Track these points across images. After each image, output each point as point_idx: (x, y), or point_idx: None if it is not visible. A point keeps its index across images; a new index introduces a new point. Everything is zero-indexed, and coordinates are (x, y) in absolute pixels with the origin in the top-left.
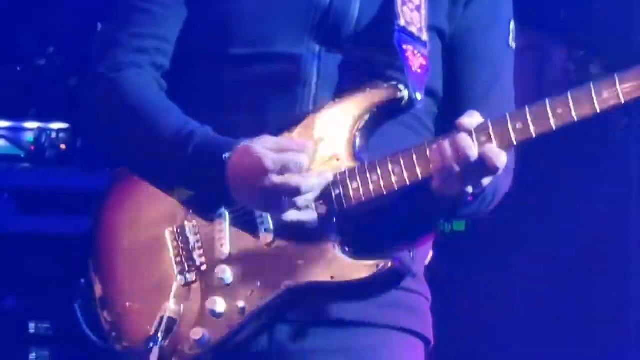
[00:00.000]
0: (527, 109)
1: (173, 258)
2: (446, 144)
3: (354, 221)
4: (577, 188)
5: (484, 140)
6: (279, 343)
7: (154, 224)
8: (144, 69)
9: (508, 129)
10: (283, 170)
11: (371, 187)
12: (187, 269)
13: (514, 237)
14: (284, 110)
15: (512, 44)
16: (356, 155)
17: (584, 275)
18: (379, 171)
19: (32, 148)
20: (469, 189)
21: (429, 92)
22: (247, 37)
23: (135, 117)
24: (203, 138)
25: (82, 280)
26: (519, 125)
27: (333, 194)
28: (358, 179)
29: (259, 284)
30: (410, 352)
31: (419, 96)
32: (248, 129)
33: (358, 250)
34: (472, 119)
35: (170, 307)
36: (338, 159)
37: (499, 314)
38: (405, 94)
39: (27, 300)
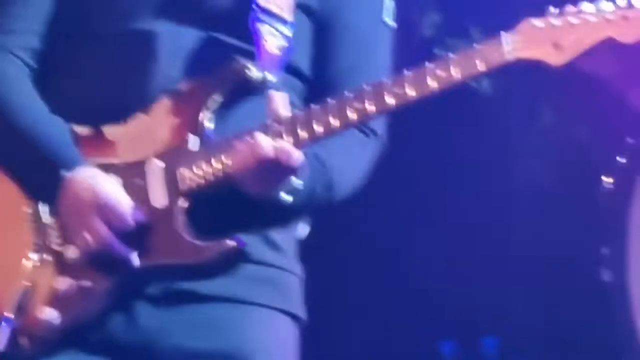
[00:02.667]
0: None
1: (29, 237)
2: (242, 143)
3: (202, 202)
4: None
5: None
6: (136, 320)
7: (11, 202)
8: (11, 52)
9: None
10: (109, 215)
11: (205, 172)
12: (42, 248)
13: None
14: (138, 87)
15: (388, 20)
16: (207, 135)
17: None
18: (212, 158)
19: None
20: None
21: (293, 70)
22: (106, 15)
23: None
24: (48, 145)
25: None
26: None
27: (178, 175)
28: (197, 164)
29: (107, 262)
30: (278, 328)
31: (270, 77)
32: (108, 112)
33: (203, 231)
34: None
35: (22, 286)
36: (188, 139)
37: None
38: (255, 74)
39: None
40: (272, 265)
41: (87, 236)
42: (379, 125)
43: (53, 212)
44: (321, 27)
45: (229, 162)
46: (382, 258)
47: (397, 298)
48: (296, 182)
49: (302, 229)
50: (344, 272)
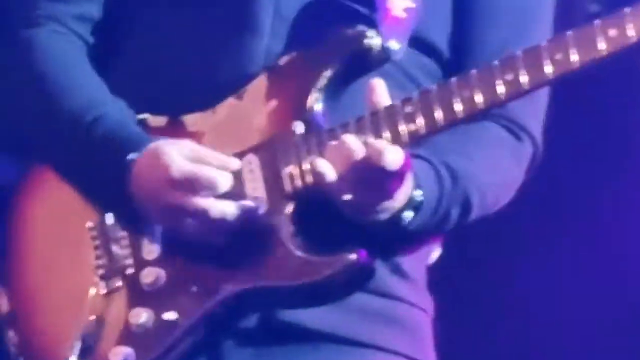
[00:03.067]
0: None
1: (93, 259)
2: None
3: (312, 208)
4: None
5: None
6: None
7: (70, 219)
8: (64, 23)
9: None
10: (192, 186)
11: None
12: (109, 272)
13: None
14: (234, 66)
15: None
16: (315, 121)
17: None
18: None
19: None
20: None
21: (425, 45)
22: None
23: (38, 94)
24: (109, 129)
25: None
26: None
27: (283, 174)
28: (310, 153)
29: (195, 289)
30: None
31: (394, 45)
32: (191, 97)
33: (316, 244)
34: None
35: (88, 321)
36: (295, 127)
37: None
38: (375, 41)
39: None
40: (398, 299)
41: (191, 222)
42: (534, 125)
43: (124, 221)
44: None
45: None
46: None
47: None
48: (416, 194)
49: (433, 254)
50: (481, 308)
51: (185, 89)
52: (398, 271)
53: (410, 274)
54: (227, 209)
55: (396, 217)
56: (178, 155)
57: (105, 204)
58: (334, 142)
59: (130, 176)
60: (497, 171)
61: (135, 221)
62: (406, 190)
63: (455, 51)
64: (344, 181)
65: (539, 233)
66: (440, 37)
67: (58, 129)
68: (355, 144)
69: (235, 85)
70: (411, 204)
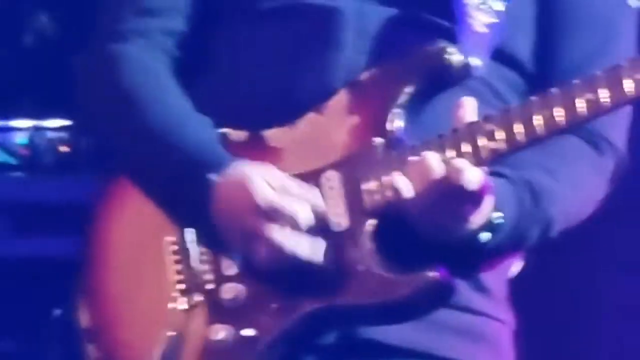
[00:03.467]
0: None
1: (173, 275)
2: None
3: (393, 225)
4: None
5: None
6: None
7: (150, 233)
8: (151, 38)
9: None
10: (275, 216)
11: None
12: (189, 288)
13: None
14: (315, 81)
15: (634, 1)
16: (397, 138)
17: None
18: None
19: (26, 152)
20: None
21: (507, 58)
22: None
23: (124, 110)
24: (192, 146)
25: (58, 311)
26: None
27: (363, 190)
28: (390, 170)
29: (274, 306)
30: None
31: (475, 62)
32: (271, 112)
33: (396, 262)
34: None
35: (169, 338)
36: (375, 144)
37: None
38: (456, 58)
39: (27, 342)
40: (478, 313)
41: (263, 250)
42: (616, 134)
43: (204, 238)
44: (547, 7)
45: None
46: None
47: None
48: (494, 216)
49: (515, 266)
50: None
51: (266, 104)
52: (477, 285)
53: (490, 287)
54: (300, 247)
55: (473, 237)
56: (264, 182)
57: (184, 222)
58: (414, 158)
59: (211, 195)
60: (580, 187)
61: (213, 239)
62: (484, 213)
63: (539, 64)
64: (422, 199)
65: (623, 240)
66: (523, 50)
67: (145, 147)
68: (435, 162)
69: (316, 100)
70: (489, 226)
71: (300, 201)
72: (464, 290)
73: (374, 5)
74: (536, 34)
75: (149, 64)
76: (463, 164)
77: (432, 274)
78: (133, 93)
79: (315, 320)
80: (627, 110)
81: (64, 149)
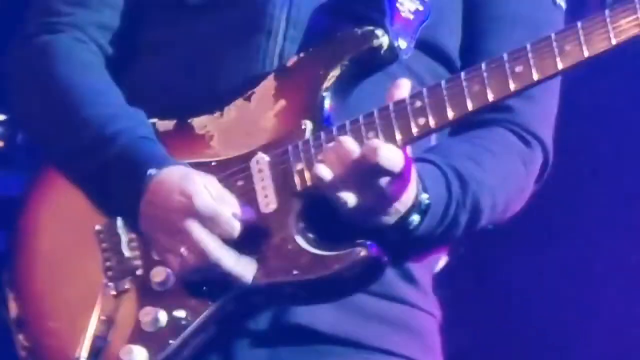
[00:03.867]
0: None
1: (102, 261)
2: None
3: (323, 205)
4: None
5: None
6: None
7: (79, 221)
8: (85, 31)
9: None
10: (209, 222)
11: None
12: (118, 274)
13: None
14: (244, 69)
15: (561, 2)
16: (325, 119)
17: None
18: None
19: None
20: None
21: (429, 47)
22: None
23: (59, 100)
24: (131, 143)
25: None
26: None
27: (294, 170)
28: (319, 151)
29: (204, 287)
30: None
31: (402, 44)
32: (198, 101)
33: (327, 239)
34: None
35: (98, 322)
36: (304, 126)
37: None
38: (383, 40)
39: None
40: (408, 303)
41: (185, 252)
42: (544, 131)
43: (131, 226)
44: (473, 2)
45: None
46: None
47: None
48: (423, 198)
49: (439, 262)
50: (485, 313)
51: (195, 93)
52: (407, 276)
53: (419, 279)
54: (225, 259)
55: (402, 220)
56: (205, 188)
57: (117, 213)
58: (330, 144)
59: (145, 190)
60: (507, 177)
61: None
62: (411, 194)
63: (464, 59)
64: (344, 183)
65: (536, 233)
66: (449, 42)
67: (76, 138)
68: (350, 144)
69: (245, 88)
70: (418, 208)
71: (234, 216)
72: (394, 281)
73: None
74: (462, 29)
75: (83, 56)
76: (378, 143)
77: (363, 249)
78: (67, 84)
79: (247, 300)
80: (554, 107)
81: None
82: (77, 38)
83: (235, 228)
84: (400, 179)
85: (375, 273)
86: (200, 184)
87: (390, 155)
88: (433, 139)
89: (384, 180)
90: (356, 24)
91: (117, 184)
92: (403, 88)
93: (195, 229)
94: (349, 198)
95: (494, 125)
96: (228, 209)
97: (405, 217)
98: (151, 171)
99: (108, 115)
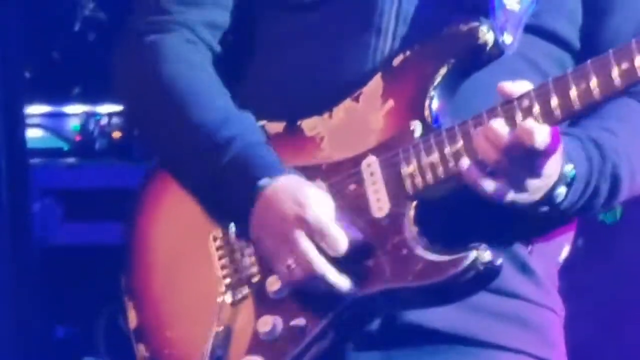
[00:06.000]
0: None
1: (219, 269)
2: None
3: (435, 205)
4: None
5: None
6: None
7: (194, 228)
8: (195, 30)
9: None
10: (317, 235)
11: (434, 168)
12: (235, 282)
13: None
14: (353, 68)
15: None
16: (434, 119)
17: None
18: (444, 149)
19: (78, 138)
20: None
21: (546, 33)
22: None
23: (166, 105)
24: (242, 151)
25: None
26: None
27: (405, 173)
28: (435, 150)
29: (321, 295)
30: None
31: (507, 39)
32: (307, 102)
33: (441, 244)
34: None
35: (217, 332)
36: (413, 127)
37: None
38: (488, 37)
39: (81, 330)
40: (526, 299)
41: (292, 264)
42: None
43: (246, 235)
44: None
45: (461, 158)
46: None
47: None
48: (567, 169)
49: (563, 251)
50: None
51: (303, 93)
52: (524, 270)
53: (538, 271)
54: (330, 274)
55: (549, 194)
56: (319, 201)
57: (228, 220)
58: (477, 130)
59: (256, 199)
60: None
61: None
62: (557, 166)
63: (585, 41)
64: (496, 167)
65: None
66: (564, 25)
67: (188, 143)
68: (502, 128)
69: (354, 87)
70: (564, 180)
71: (342, 232)
72: (510, 275)
73: None
74: (582, 6)
75: (193, 57)
76: (533, 124)
77: (476, 253)
78: (176, 87)
79: (362, 306)
80: None
81: (116, 134)
82: (186, 38)
83: (340, 245)
84: (548, 155)
85: (491, 275)
86: (314, 197)
87: (544, 136)
88: None
89: (534, 160)
90: (462, 16)
91: (230, 192)
92: (515, 87)
93: (304, 240)
94: (493, 184)
95: (623, 97)
96: (336, 228)
97: (551, 191)
98: (264, 180)
99: (218, 120)
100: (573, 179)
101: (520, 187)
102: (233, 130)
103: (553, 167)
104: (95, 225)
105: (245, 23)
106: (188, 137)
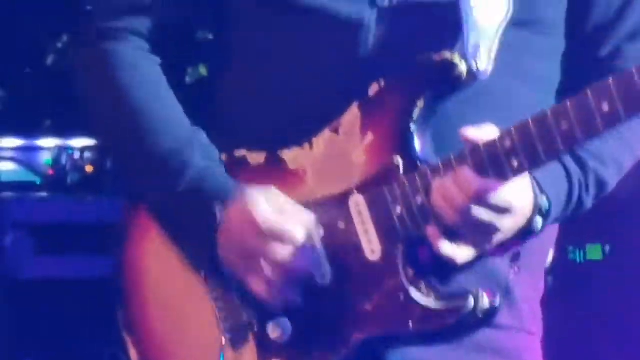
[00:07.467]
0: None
1: (217, 311)
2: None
3: (427, 246)
4: None
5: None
6: None
7: (184, 261)
8: (148, 39)
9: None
10: (276, 236)
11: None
12: (234, 325)
13: None
14: (333, 95)
15: None
16: (416, 155)
17: None
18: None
19: (50, 172)
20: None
21: (528, 23)
22: None
23: (123, 114)
24: (194, 178)
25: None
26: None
27: (394, 214)
28: (421, 189)
29: (323, 338)
30: None
31: (481, 63)
32: (289, 119)
33: (436, 283)
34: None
35: None
36: (396, 162)
37: None
38: (461, 67)
39: None
40: (496, 326)
41: (268, 273)
42: None
43: (218, 277)
44: None
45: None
46: None
47: None
48: (541, 200)
49: (548, 256)
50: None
51: (283, 120)
52: (506, 294)
53: (516, 292)
54: (299, 261)
55: (527, 228)
56: (266, 204)
57: (197, 260)
58: (445, 178)
59: (218, 228)
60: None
61: (219, 273)
62: (528, 203)
63: (568, 25)
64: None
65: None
66: (546, 12)
67: (146, 167)
68: (470, 175)
69: (330, 116)
70: (538, 212)
71: (294, 218)
72: None
73: (390, 16)
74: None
75: (147, 69)
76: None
77: (475, 298)
78: (127, 97)
79: (366, 348)
80: None
81: (89, 168)
82: (139, 47)
83: (298, 232)
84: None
85: (490, 316)
86: (262, 203)
87: (503, 199)
88: None
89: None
90: (434, 42)
91: (191, 219)
92: (484, 132)
93: (267, 246)
94: (471, 225)
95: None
96: (284, 218)
97: (528, 225)
98: (217, 208)
99: (170, 143)
100: (549, 208)
101: (495, 231)
102: (185, 155)
103: (524, 203)
104: (67, 259)
105: (220, 39)
106: (147, 160)
